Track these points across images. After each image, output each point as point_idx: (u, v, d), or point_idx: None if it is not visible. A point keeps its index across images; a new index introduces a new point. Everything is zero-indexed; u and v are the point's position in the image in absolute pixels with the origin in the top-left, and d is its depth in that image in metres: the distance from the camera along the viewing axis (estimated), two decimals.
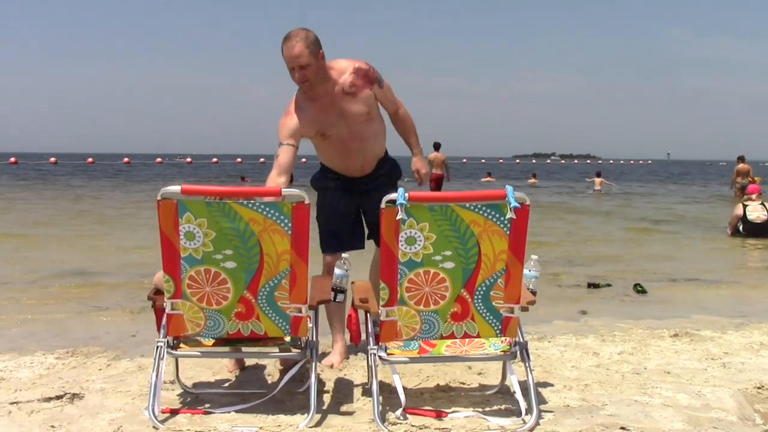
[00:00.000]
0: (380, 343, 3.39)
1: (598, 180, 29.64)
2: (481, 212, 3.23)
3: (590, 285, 7.42)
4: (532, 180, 36.80)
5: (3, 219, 14.31)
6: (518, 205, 3.19)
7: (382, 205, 3.20)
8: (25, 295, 6.77)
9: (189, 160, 77.80)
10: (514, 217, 3.20)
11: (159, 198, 3.19)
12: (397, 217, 3.18)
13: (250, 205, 3.23)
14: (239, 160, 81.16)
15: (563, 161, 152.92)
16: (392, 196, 3.19)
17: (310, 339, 3.44)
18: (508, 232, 3.25)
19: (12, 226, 13.07)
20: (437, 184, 19.96)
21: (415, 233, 3.23)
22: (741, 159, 23.44)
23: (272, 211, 3.23)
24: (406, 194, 3.19)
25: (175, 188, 3.20)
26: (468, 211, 3.22)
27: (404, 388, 3.47)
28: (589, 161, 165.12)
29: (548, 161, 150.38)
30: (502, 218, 3.23)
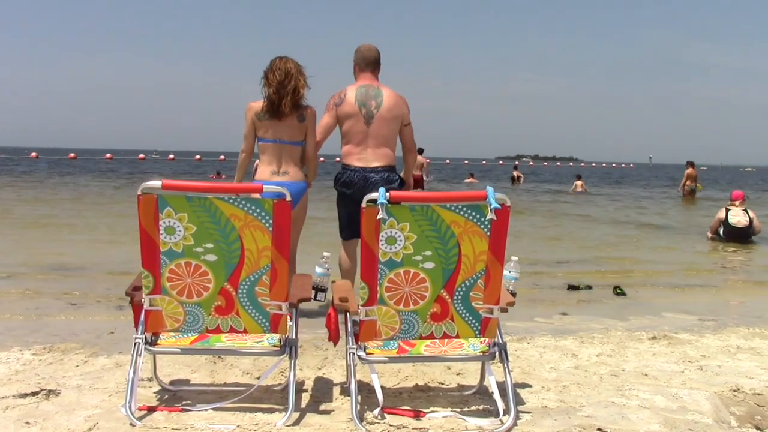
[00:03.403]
0: (359, 343, 3.39)
1: (579, 183, 30.09)
2: (461, 213, 3.24)
3: (570, 287, 7.46)
4: (470, 179, 36.75)
5: None
6: (499, 206, 3.20)
7: (363, 204, 3.20)
8: (1, 291, 6.70)
9: (171, 156, 77.18)
10: (495, 218, 3.21)
11: (139, 193, 3.18)
12: (378, 217, 3.17)
13: (231, 200, 3.23)
14: (222, 157, 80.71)
15: (546, 163, 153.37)
16: (373, 195, 3.19)
17: (289, 337, 3.43)
18: (488, 233, 3.26)
19: None
20: (417, 185, 21.86)
21: (396, 233, 3.24)
22: (690, 164, 25.51)
23: (253, 208, 3.23)
24: (387, 194, 3.19)
25: (156, 183, 3.18)
26: (449, 211, 3.23)
27: (383, 388, 3.48)
28: (571, 164, 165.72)
29: (531, 163, 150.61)
30: (482, 219, 3.24)
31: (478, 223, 3.25)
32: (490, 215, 3.21)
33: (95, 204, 17.42)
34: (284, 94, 5.04)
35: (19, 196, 19.08)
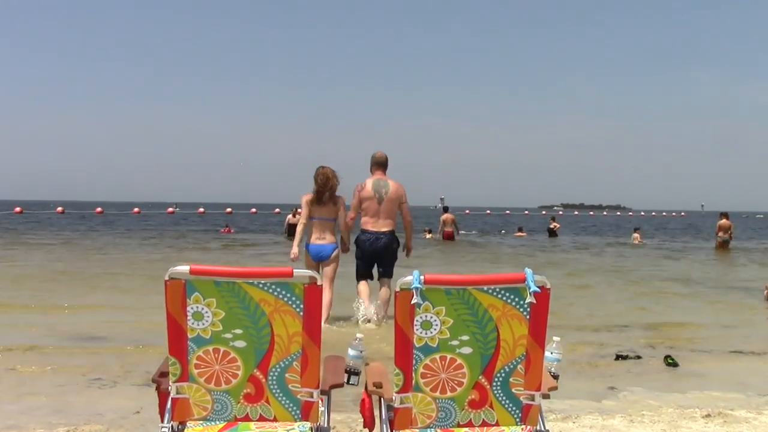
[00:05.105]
0: (394, 431, 3.25)
1: (636, 235, 29.70)
2: (499, 296, 3.11)
3: (618, 357, 7.14)
4: (519, 234, 36.21)
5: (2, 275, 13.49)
6: (538, 289, 3.07)
7: (397, 288, 3.09)
8: (23, 365, 6.40)
9: (201, 210, 76.66)
10: (534, 301, 3.08)
11: (167, 278, 3.11)
12: (412, 301, 3.06)
13: (260, 285, 3.15)
14: (253, 210, 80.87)
15: (592, 213, 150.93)
16: (407, 279, 3.08)
17: (321, 425, 3.30)
18: (527, 317, 3.12)
19: (10, 285, 12.21)
20: (449, 239, 27.22)
21: (431, 317, 3.11)
22: (724, 215, 25.48)
23: (283, 292, 3.14)
24: (422, 277, 3.08)
25: (184, 269, 3.12)
26: (486, 294, 3.11)
27: None
28: (618, 213, 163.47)
29: (576, 212, 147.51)
30: (521, 302, 3.10)
31: (517, 307, 3.11)
32: (530, 298, 3.08)
33: (122, 267, 15.39)
34: (325, 189, 8.22)
35: (44, 258, 17.83)
